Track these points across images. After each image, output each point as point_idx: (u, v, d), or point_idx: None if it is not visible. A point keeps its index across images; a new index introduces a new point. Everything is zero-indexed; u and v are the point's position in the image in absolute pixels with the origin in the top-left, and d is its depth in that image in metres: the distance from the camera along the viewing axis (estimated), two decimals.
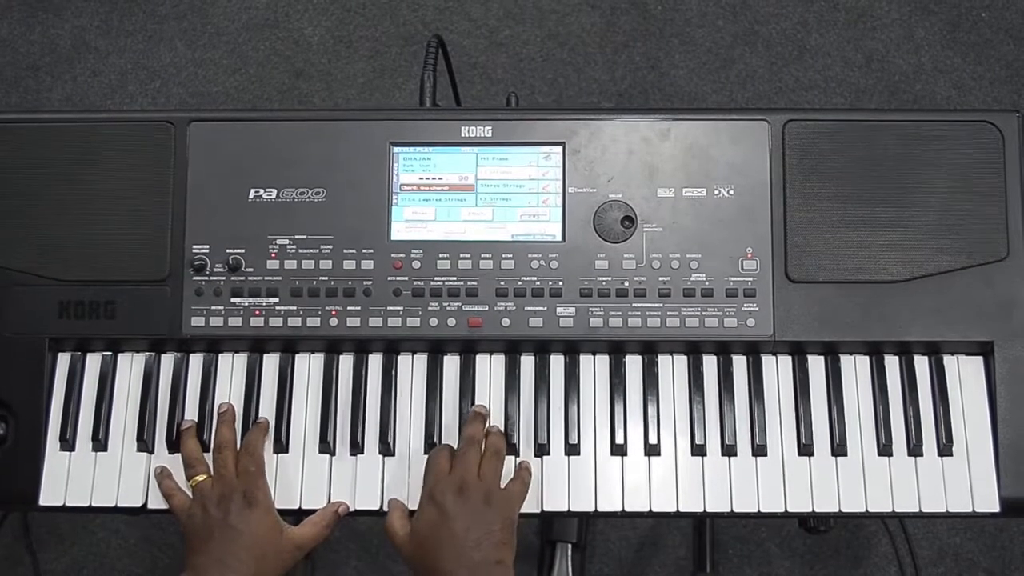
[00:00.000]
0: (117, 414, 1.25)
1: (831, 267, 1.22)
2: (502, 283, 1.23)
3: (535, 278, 1.23)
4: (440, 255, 1.24)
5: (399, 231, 1.25)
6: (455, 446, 1.22)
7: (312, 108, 2.48)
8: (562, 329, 1.22)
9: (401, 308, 1.23)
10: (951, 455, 1.21)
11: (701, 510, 1.20)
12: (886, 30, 2.52)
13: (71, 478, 1.23)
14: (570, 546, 1.75)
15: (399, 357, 1.26)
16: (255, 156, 1.26)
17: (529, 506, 1.20)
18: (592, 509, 1.21)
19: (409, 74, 2.53)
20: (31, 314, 1.24)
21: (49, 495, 1.22)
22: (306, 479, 1.23)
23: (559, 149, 1.26)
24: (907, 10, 2.53)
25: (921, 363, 1.24)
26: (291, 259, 1.24)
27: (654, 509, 1.20)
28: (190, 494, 1.21)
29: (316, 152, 1.25)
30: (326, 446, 1.23)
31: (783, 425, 1.23)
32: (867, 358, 1.24)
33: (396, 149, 1.26)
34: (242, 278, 1.24)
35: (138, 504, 1.23)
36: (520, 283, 1.23)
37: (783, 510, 1.20)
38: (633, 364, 1.25)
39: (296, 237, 1.24)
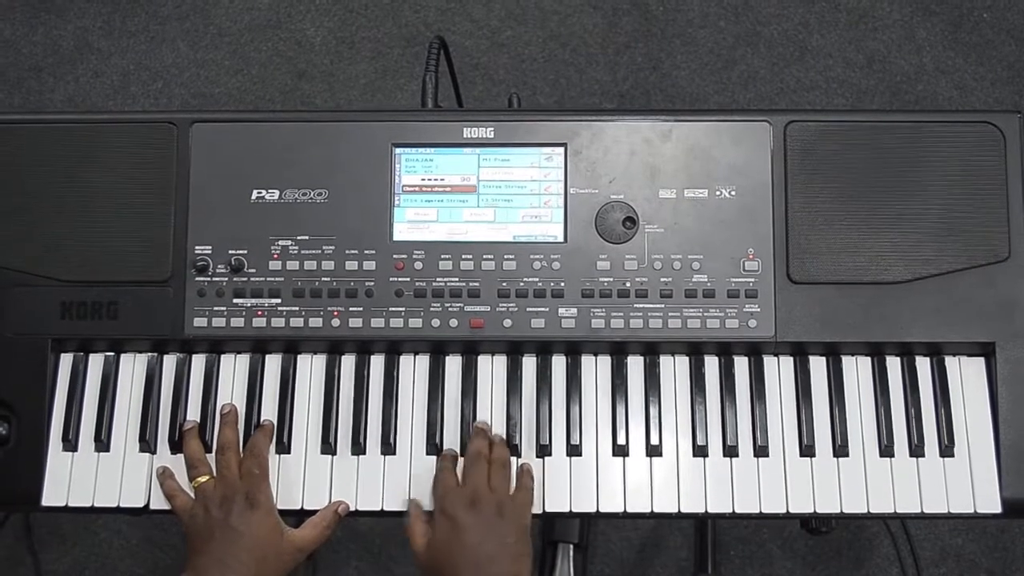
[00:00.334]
0: (119, 415, 1.25)
1: (832, 268, 1.22)
2: (504, 284, 1.23)
3: (537, 279, 1.23)
4: (442, 256, 1.24)
5: (401, 232, 1.25)
6: (455, 453, 1.22)
7: (314, 109, 2.48)
8: (564, 330, 1.23)
9: (403, 309, 1.23)
10: (952, 456, 1.21)
11: (703, 511, 1.20)
12: (887, 31, 2.52)
13: (73, 479, 1.23)
14: (572, 547, 1.75)
15: (401, 358, 1.26)
16: (257, 157, 1.26)
17: None
18: (594, 510, 1.21)
19: (411, 75, 2.53)
20: (34, 314, 1.24)
21: (51, 496, 1.23)
22: (308, 479, 1.23)
23: (561, 150, 1.26)
24: (908, 11, 2.54)
25: (923, 364, 1.24)
26: (293, 260, 1.24)
27: (656, 510, 1.21)
28: (192, 495, 1.21)
29: (318, 153, 1.26)
30: (328, 446, 1.23)
31: (785, 426, 1.23)
32: (869, 359, 1.24)
33: (398, 150, 1.26)
34: (244, 279, 1.24)
35: (140, 504, 1.23)
36: (522, 284, 1.23)
37: (785, 511, 1.20)
38: (635, 365, 1.25)
39: (298, 238, 1.24)
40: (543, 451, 1.22)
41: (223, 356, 1.27)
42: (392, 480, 1.22)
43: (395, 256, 1.24)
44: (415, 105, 1.57)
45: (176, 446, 1.24)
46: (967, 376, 1.24)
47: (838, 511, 1.20)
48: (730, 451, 1.21)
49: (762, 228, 1.23)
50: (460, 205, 1.26)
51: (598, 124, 1.26)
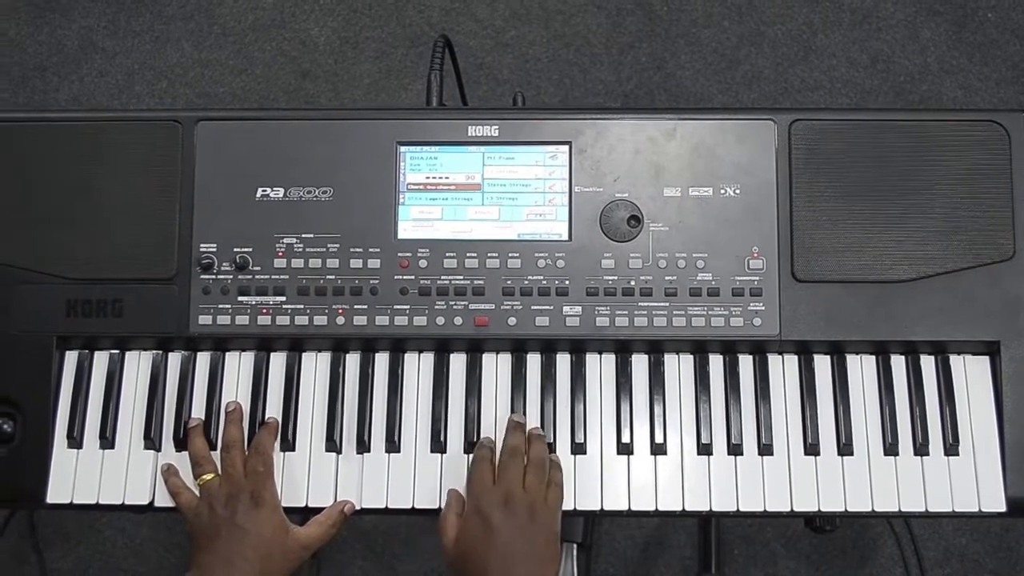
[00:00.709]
0: (124, 412, 1.26)
1: (837, 267, 1.22)
2: (508, 282, 1.23)
3: (541, 277, 1.23)
4: (447, 254, 1.24)
5: (406, 230, 1.25)
6: (493, 444, 1.22)
7: (319, 107, 2.48)
8: (568, 328, 1.23)
9: (408, 307, 1.23)
10: (957, 455, 1.21)
11: (707, 509, 1.20)
12: (892, 31, 2.52)
13: (78, 476, 1.23)
14: (576, 546, 1.74)
15: (406, 356, 1.26)
16: (262, 155, 1.26)
17: None
18: (598, 508, 1.21)
19: (415, 75, 2.53)
20: (39, 312, 1.24)
21: (56, 493, 1.23)
22: (312, 477, 1.23)
23: (565, 148, 1.26)
24: (912, 11, 2.53)
25: (927, 363, 1.24)
26: (298, 258, 1.24)
27: (660, 508, 1.21)
28: (197, 492, 1.21)
29: (323, 151, 1.26)
30: (332, 444, 1.23)
31: (789, 424, 1.23)
32: (873, 358, 1.24)
33: (403, 148, 1.26)
34: (249, 277, 1.24)
35: (145, 502, 1.23)
36: (526, 282, 1.23)
37: (789, 509, 1.20)
38: (639, 363, 1.25)
39: (303, 236, 1.25)
40: (548, 449, 1.22)
41: (228, 354, 1.27)
42: (396, 478, 1.22)
43: (400, 254, 1.24)
44: (420, 104, 1.57)
45: (181, 444, 1.24)
46: (972, 375, 1.23)
47: (842, 510, 1.20)
48: (734, 449, 1.21)
49: (767, 227, 1.23)
50: (465, 203, 1.26)
51: (603, 123, 1.26)
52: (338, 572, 2.18)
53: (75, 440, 1.24)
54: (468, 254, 1.24)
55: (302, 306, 1.24)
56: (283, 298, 1.24)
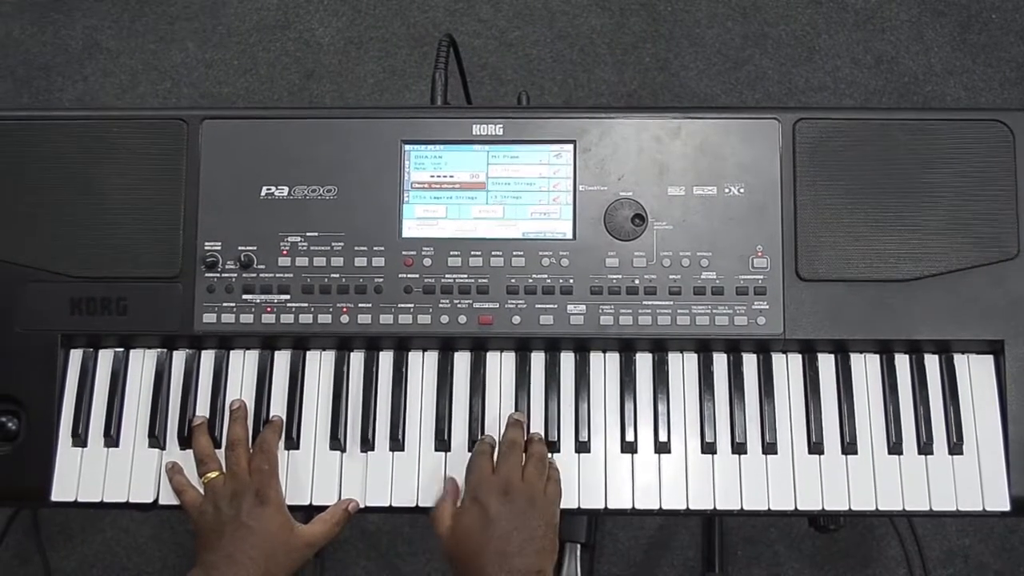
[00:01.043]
0: (129, 410, 1.26)
1: (841, 265, 1.22)
2: (513, 281, 1.23)
3: (546, 276, 1.23)
4: (451, 253, 1.24)
5: (410, 229, 1.25)
6: (494, 441, 1.22)
7: (324, 106, 2.49)
8: (573, 327, 1.23)
9: (412, 305, 1.24)
10: (961, 454, 1.21)
11: (711, 508, 1.20)
12: (895, 31, 2.52)
13: (83, 474, 1.23)
14: (579, 546, 1.74)
15: (410, 354, 1.26)
16: (267, 154, 1.26)
17: None
18: (602, 507, 1.21)
19: (419, 75, 2.54)
20: (43, 310, 1.24)
21: (61, 490, 1.23)
22: (316, 475, 1.23)
23: (570, 147, 1.26)
24: (916, 11, 2.53)
25: (931, 362, 1.24)
26: (302, 256, 1.24)
27: (664, 507, 1.21)
28: (201, 490, 1.21)
29: (328, 150, 1.26)
30: (337, 443, 1.23)
31: (793, 423, 1.23)
32: (877, 356, 1.24)
33: (407, 147, 1.27)
34: (254, 275, 1.24)
35: (149, 500, 1.23)
36: (531, 281, 1.23)
37: (793, 508, 1.20)
38: (643, 362, 1.25)
39: (308, 234, 1.25)
40: (552, 448, 1.22)
41: (232, 352, 1.27)
42: (401, 476, 1.22)
43: (404, 253, 1.24)
44: (424, 104, 1.58)
45: (185, 442, 1.24)
46: (976, 374, 1.23)
47: (846, 508, 1.20)
48: (739, 448, 1.21)
49: (771, 225, 1.23)
50: (469, 202, 1.26)
51: (607, 121, 1.26)
52: (341, 572, 2.18)
53: (79, 438, 1.24)
54: (472, 253, 1.24)
55: (306, 304, 1.24)
56: (287, 296, 1.24)
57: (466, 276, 1.24)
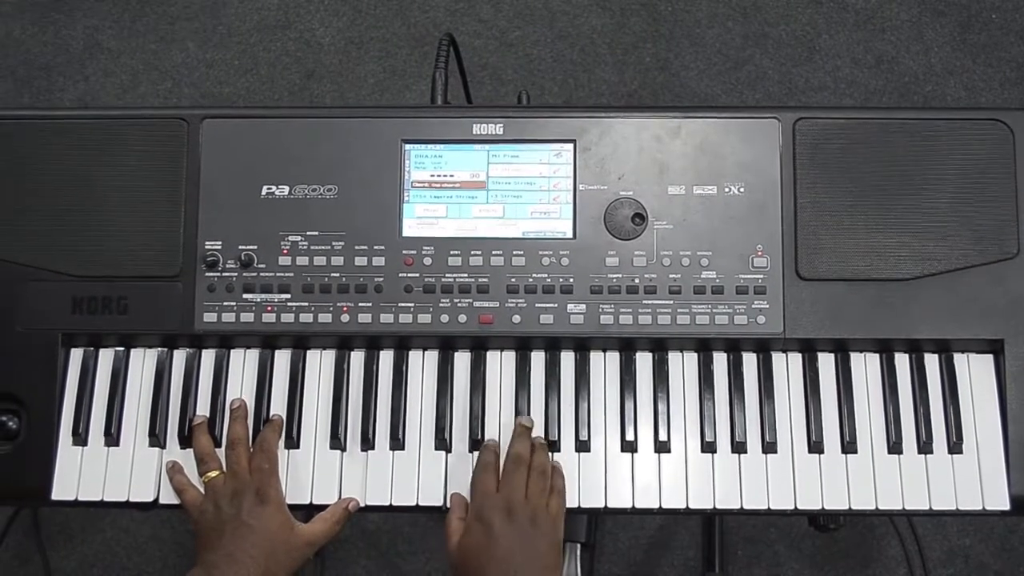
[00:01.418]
0: (129, 409, 1.26)
1: (841, 265, 1.22)
2: (513, 280, 1.24)
3: (546, 275, 1.23)
4: (451, 252, 1.24)
5: (410, 228, 1.25)
6: (497, 449, 1.22)
7: (324, 106, 2.49)
8: (573, 326, 1.23)
9: (412, 305, 1.24)
10: (961, 453, 1.21)
11: (711, 507, 1.20)
12: (896, 31, 2.52)
13: (83, 473, 1.24)
14: (579, 546, 1.74)
15: (410, 353, 1.26)
16: (268, 153, 1.26)
17: None
18: (602, 506, 1.21)
19: (419, 75, 2.54)
20: (44, 309, 1.25)
21: (61, 489, 1.23)
22: (317, 474, 1.23)
23: (570, 146, 1.26)
24: (916, 11, 2.53)
25: (931, 361, 1.24)
26: (303, 255, 1.24)
27: (664, 506, 1.21)
28: (202, 490, 1.21)
29: (328, 149, 1.26)
30: (337, 442, 1.23)
31: (793, 422, 1.23)
32: (877, 356, 1.24)
33: (408, 146, 1.27)
34: (254, 274, 1.25)
35: (150, 499, 1.23)
36: (531, 280, 1.23)
37: (793, 507, 1.20)
38: (643, 361, 1.25)
39: (308, 234, 1.25)
40: (552, 447, 1.23)
41: (233, 351, 1.27)
42: (401, 475, 1.22)
43: (404, 252, 1.24)
44: (424, 103, 1.58)
45: (186, 441, 1.24)
46: (976, 373, 1.23)
47: (846, 508, 1.20)
48: (738, 447, 1.22)
49: (771, 225, 1.23)
50: (469, 201, 1.26)
51: (607, 121, 1.26)
52: (342, 571, 2.18)
53: (80, 437, 1.24)
54: (472, 252, 1.24)
55: (307, 304, 1.24)
56: (288, 295, 1.24)
57: (466, 275, 1.24)
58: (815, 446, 1.21)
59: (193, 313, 1.24)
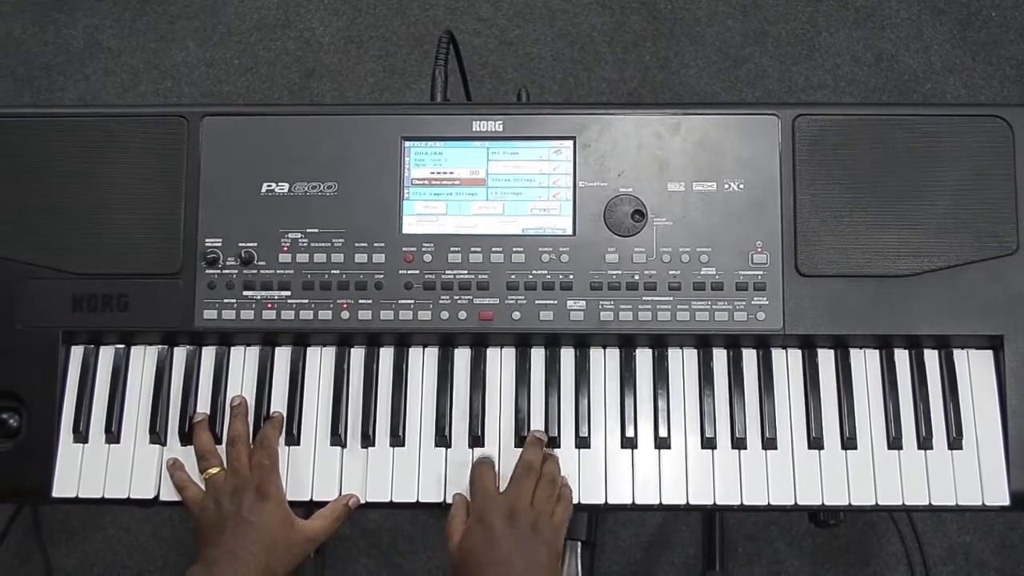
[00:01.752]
0: (130, 406, 1.26)
1: (841, 261, 1.22)
2: (513, 276, 1.24)
3: (546, 271, 1.23)
4: (451, 249, 1.24)
5: (410, 225, 1.25)
6: (492, 459, 1.22)
7: (324, 103, 2.49)
8: (572, 322, 1.23)
9: (412, 301, 1.24)
10: (961, 448, 1.21)
11: (711, 503, 1.20)
12: (895, 29, 2.52)
13: (84, 470, 1.24)
14: (579, 544, 1.75)
15: (410, 350, 1.26)
16: (268, 150, 1.26)
17: None
18: (602, 502, 1.21)
19: (419, 74, 2.54)
20: (45, 307, 1.25)
21: (62, 487, 1.23)
22: (317, 471, 1.23)
23: (570, 143, 1.26)
24: (916, 9, 2.54)
25: (931, 357, 1.24)
26: (303, 252, 1.25)
27: (664, 502, 1.21)
28: (202, 487, 1.21)
29: (328, 147, 1.26)
30: (337, 438, 1.23)
31: (793, 418, 1.23)
32: (877, 352, 1.24)
33: (408, 143, 1.27)
34: (254, 271, 1.25)
35: (150, 496, 1.23)
36: (531, 276, 1.24)
37: (793, 503, 1.20)
38: (643, 357, 1.25)
39: (308, 231, 1.25)
40: (552, 443, 1.23)
41: (233, 348, 1.27)
42: (401, 472, 1.23)
43: (404, 249, 1.24)
44: (424, 101, 1.58)
45: (186, 438, 1.24)
46: (975, 369, 1.23)
47: (846, 503, 1.20)
48: (738, 443, 1.22)
49: (770, 221, 1.23)
50: (469, 198, 1.26)
51: (607, 118, 1.26)
52: (342, 569, 2.18)
53: (81, 434, 1.24)
54: (472, 249, 1.24)
55: (307, 301, 1.24)
56: (288, 293, 1.24)
57: (466, 272, 1.24)
58: (815, 442, 1.21)
59: (193, 310, 1.24)
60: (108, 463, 1.24)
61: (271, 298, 1.24)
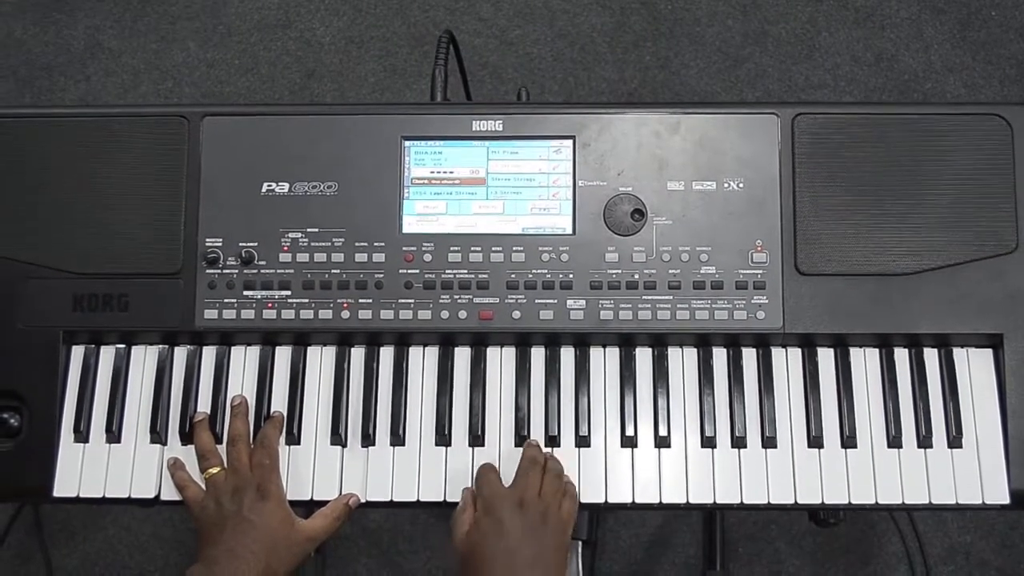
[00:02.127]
0: (130, 406, 1.26)
1: (840, 259, 1.22)
2: (513, 276, 1.24)
3: (546, 271, 1.24)
4: (451, 248, 1.24)
5: (410, 224, 1.25)
6: (495, 467, 1.22)
7: (324, 103, 2.49)
8: (572, 322, 1.23)
9: (412, 301, 1.24)
10: (961, 447, 1.21)
11: (711, 502, 1.21)
12: (895, 29, 2.52)
13: (84, 470, 1.24)
14: (580, 543, 1.74)
15: (410, 350, 1.27)
16: (268, 150, 1.27)
17: None
18: (603, 500, 1.21)
19: (420, 74, 2.54)
20: (45, 307, 1.25)
21: (63, 486, 1.23)
22: (318, 471, 1.23)
23: (569, 143, 1.26)
24: (916, 9, 2.54)
25: (931, 355, 1.24)
26: (303, 252, 1.25)
27: (664, 501, 1.21)
28: (203, 486, 1.22)
29: (328, 146, 1.26)
30: (338, 438, 1.23)
31: (793, 417, 1.23)
32: (877, 351, 1.25)
33: (408, 143, 1.27)
34: (255, 271, 1.25)
35: (151, 495, 1.23)
36: (531, 276, 1.24)
37: (793, 502, 1.20)
38: (643, 357, 1.25)
39: (308, 230, 1.25)
40: (552, 442, 1.23)
41: (233, 348, 1.28)
42: (401, 471, 1.23)
43: (404, 248, 1.25)
44: (424, 101, 1.58)
45: (187, 437, 1.24)
46: (975, 367, 1.24)
47: (846, 502, 1.20)
48: (738, 442, 1.22)
49: (770, 220, 1.24)
50: (469, 197, 1.26)
51: (607, 117, 1.26)
52: (343, 569, 2.18)
53: (81, 434, 1.24)
54: (472, 248, 1.24)
55: (307, 300, 1.24)
56: (288, 292, 1.24)
57: (466, 271, 1.24)
58: (815, 441, 1.21)
59: (194, 310, 1.25)
60: (109, 463, 1.24)
61: (271, 298, 1.24)
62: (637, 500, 1.21)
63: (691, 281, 1.23)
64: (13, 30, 2.60)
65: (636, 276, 1.23)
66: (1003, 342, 1.21)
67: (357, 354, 1.27)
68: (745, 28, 2.53)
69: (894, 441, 1.21)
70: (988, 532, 2.17)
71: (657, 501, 1.21)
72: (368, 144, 1.27)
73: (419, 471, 1.23)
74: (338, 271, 1.25)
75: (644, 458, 1.22)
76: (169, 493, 1.24)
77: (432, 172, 1.27)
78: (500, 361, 1.26)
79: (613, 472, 1.22)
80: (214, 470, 1.21)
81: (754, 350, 1.25)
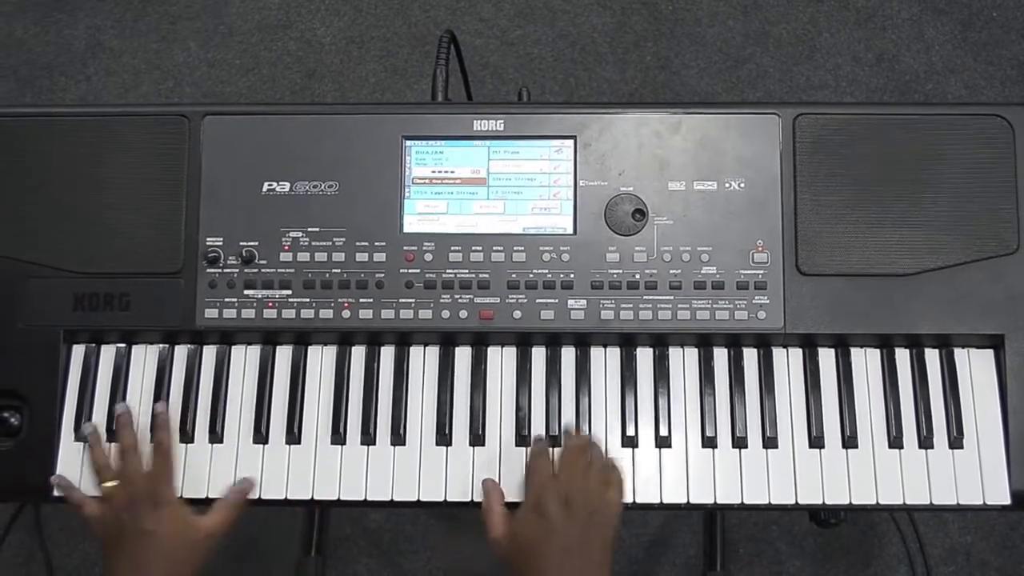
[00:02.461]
0: (130, 405, 1.26)
1: (841, 260, 1.22)
2: (513, 275, 1.24)
3: (546, 270, 1.24)
4: (452, 248, 1.24)
5: (411, 224, 1.25)
6: (546, 440, 1.21)
7: (325, 103, 2.49)
8: (573, 321, 1.23)
9: (413, 300, 1.24)
10: (962, 448, 1.21)
11: (712, 502, 1.20)
12: (897, 29, 2.52)
13: (85, 469, 1.23)
14: None
15: (411, 349, 1.26)
16: (269, 150, 1.27)
17: None
18: None
19: (420, 74, 2.54)
20: (46, 306, 1.25)
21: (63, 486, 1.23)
22: (318, 470, 1.23)
23: (570, 143, 1.26)
24: (917, 9, 2.54)
25: (932, 356, 1.24)
26: (304, 251, 1.25)
27: (665, 501, 1.21)
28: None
29: (329, 146, 1.26)
30: (338, 437, 1.23)
31: (794, 417, 1.23)
32: (878, 351, 1.24)
33: (408, 143, 1.27)
34: (255, 270, 1.25)
35: None
36: (531, 275, 1.24)
37: (794, 502, 1.20)
38: (644, 357, 1.25)
39: (309, 230, 1.25)
40: (552, 442, 1.22)
41: (234, 347, 1.27)
42: (402, 471, 1.22)
43: (405, 248, 1.25)
44: (425, 100, 1.58)
45: (186, 436, 1.24)
46: (976, 368, 1.23)
47: (847, 503, 1.20)
48: (739, 442, 1.22)
49: (771, 220, 1.24)
50: (470, 197, 1.26)
51: (608, 117, 1.26)
52: (342, 570, 2.18)
53: (81, 434, 1.24)
54: (473, 248, 1.24)
55: (308, 299, 1.24)
56: (289, 292, 1.24)
57: (467, 271, 1.24)
58: (816, 441, 1.21)
59: (194, 309, 1.24)
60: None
61: (272, 297, 1.24)
62: (638, 500, 1.21)
63: (692, 281, 1.23)
64: (14, 30, 2.60)
65: (637, 276, 1.23)
66: (1004, 343, 1.21)
67: (358, 354, 1.27)
68: (746, 28, 2.53)
69: (895, 441, 1.21)
70: (989, 533, 2.17)
71: (658, 501, 1.21)
72: (369, 144, 1.27)
73: (419, 471, 1.22)
74: (339, 270, 1.24)
75: (645, 458, 1.22)
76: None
77: (433, 172, 1.27)
78: (501, 361, 1.26)
79: None
80: (108, 484, 1.20)
81: (755, 350, 1.25)
